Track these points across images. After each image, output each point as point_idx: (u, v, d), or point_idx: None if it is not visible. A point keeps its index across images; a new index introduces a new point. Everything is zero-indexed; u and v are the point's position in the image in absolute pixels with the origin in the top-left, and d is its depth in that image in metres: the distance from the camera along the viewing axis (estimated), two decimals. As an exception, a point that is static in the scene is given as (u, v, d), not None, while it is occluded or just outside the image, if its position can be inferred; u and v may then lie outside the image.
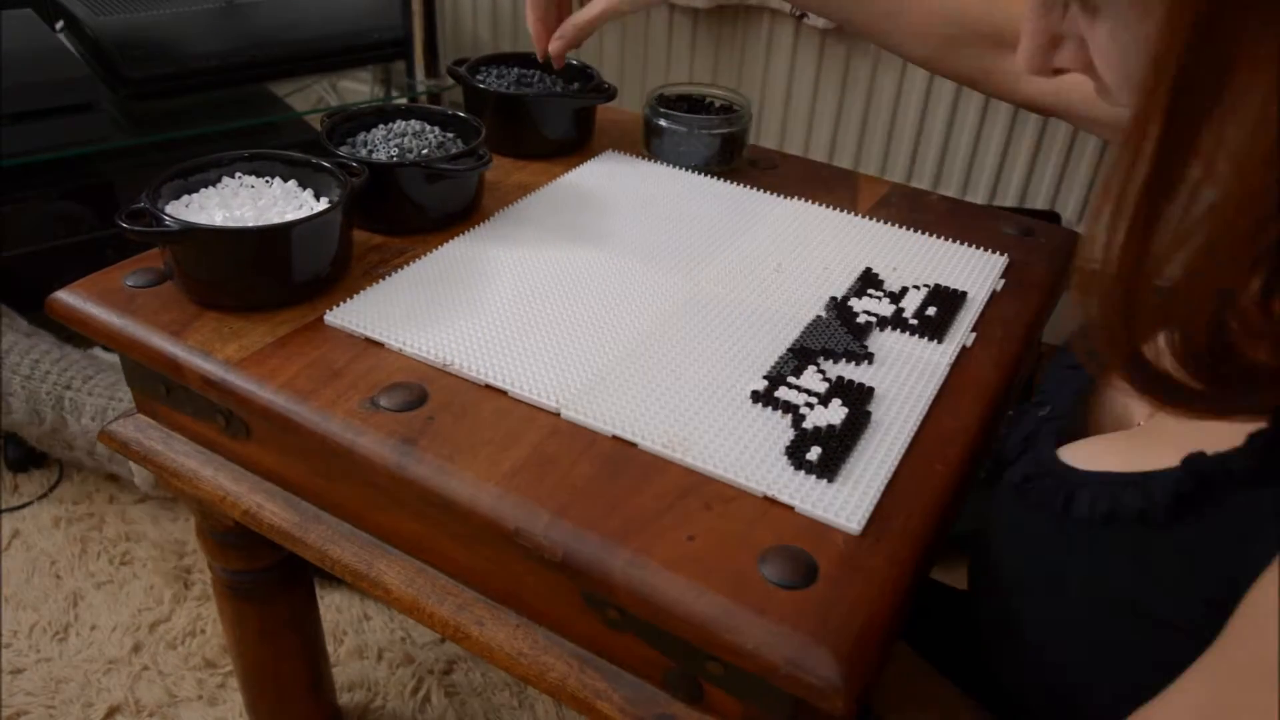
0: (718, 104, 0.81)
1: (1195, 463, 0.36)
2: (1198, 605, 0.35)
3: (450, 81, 1.33)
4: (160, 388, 0.59)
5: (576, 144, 0.81)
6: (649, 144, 0.80)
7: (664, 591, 0.39)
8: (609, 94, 0.79)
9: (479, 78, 0.79)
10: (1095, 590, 0.40)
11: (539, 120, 0.77)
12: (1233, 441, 0.35)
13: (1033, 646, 0.43)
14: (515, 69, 0.83)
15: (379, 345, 0.54)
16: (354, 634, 1.04)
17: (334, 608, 1.07)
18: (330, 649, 1.02)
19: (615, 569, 0.40)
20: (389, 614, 1.07)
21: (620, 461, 0.46)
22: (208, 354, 0.52)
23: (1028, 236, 0.70)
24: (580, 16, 0.73)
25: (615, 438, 0.47)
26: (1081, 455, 0.43)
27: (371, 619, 1.06)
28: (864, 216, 0.71)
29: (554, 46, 0.75)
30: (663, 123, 0.77)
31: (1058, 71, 0.40)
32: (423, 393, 0.50)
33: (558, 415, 0.49)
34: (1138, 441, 0.43)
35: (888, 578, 0.40)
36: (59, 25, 1.30)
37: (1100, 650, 0.39)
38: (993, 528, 0.46)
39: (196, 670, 0.99)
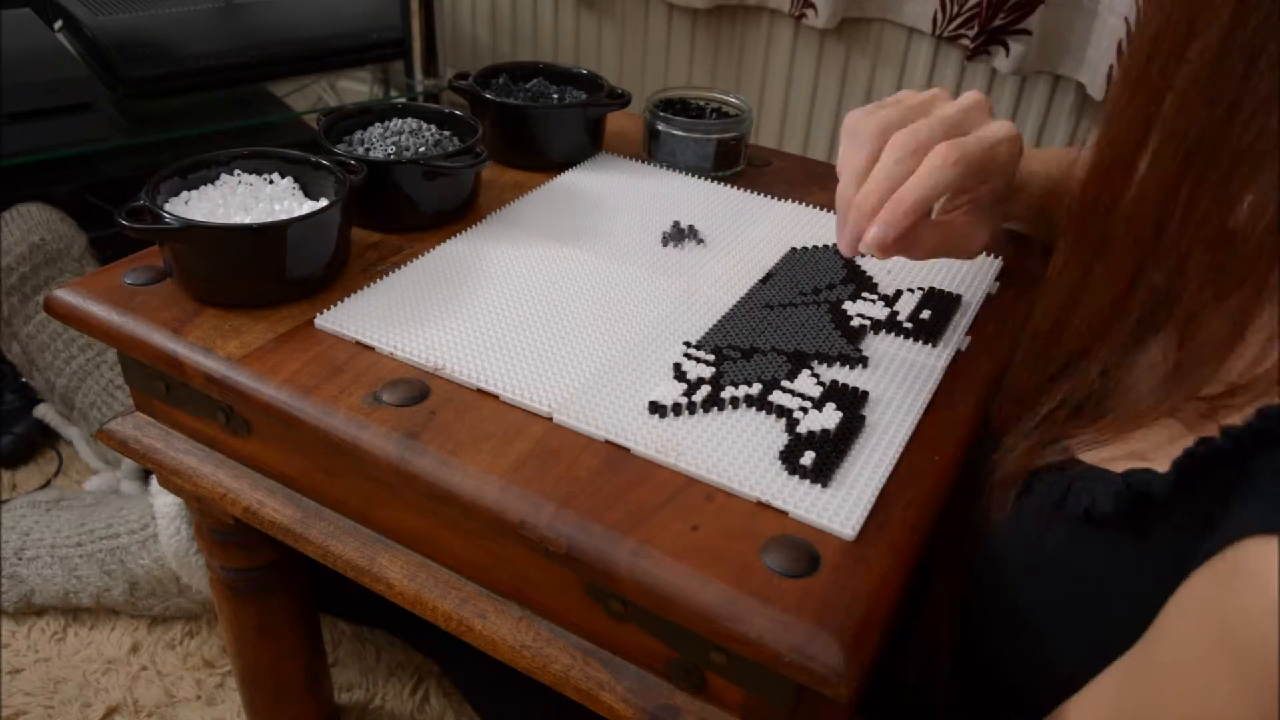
0: (718, 108, 0.81)
1: (1131, 477, 0.39)
2: (1150, 608, 0.36)
3: (448, 81, 1.34)
4: (160, 385, 0.59)
5: (590, 154, 0.79)
6: (649, 148, 0.80)
7: (668, 581, 0.40)
8: (623, 101, 0.78)
9: (487, 93, 0.76)
10: (1078, 582, 0.41)
11: (551, 132, 0.76)
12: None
13: (1029, 636, 0.44)
14: (519, 80, 0.81)
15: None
16: (353, 633, 1.04)
17: (333, 607, 1.07)
18: (329, 648, 1.02)
19: (620, 560, 0.41)
20: (388, 613, 1.07)
21: (622, 454, 0.46)
22: (209, 351, 0.52)
23: (1023, 234, 0.70)
24: (909, 194, 0.47)
25: (608, 442, 0.47)
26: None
27: (371, 618, 1.06)
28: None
29: (876, 234, 0.47)
30: (663, 127, 0.77)
31: None
32: (424, 388, 0.50)
33: (550, 420, 0.48)
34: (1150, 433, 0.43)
35: (889, 566, 0.41)
36: (57, 25, 1.30)
37: (1087, 642, 0.40)
38: (994, 519, 0.46)
39: (195, 670, 0.99)
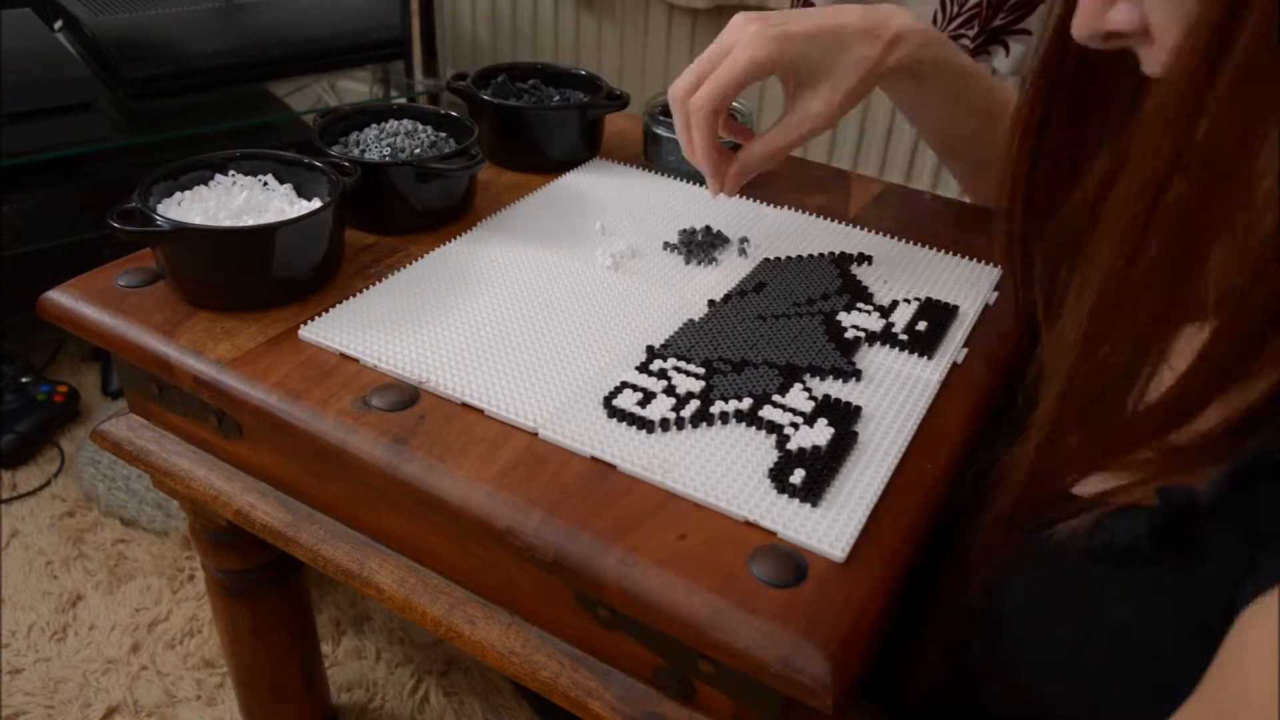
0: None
1: (1168, 494, 0.36)
2: (1190, 637, 0.34)
3: (446, 81, 1.34)
4: (152, 387, 0.59)
5: (587, 156, 0.79)
6: (648, 152, 0.79)
7: (654, 590, 0.39)
8: (621, 102, 0.77)
9: (485, 93, 0.76)
10: (1090, 621, 0.39)
11: (549, 134, 0.75)
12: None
13: (1030, 680, 0.42)
14: (516, 81, 0.81)
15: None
16: (353, 634, 1.04)
17: (333, 607, 1.07)
18: (329, 649, 1.02)
19: (606, 568, 0.40)
20: (388, 614, 1.07)
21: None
22: (199, 354, 0.52)
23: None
24: (763, 148, 0.61)
25: (594, 458, 0.46)
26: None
27: (371, 619, 1.06)
28: (855, 225, 0.70)
29: (730, 187, 0.62)
30: (662, 131, 0.76)
31: (1110, 35, 0.38)
32: (414, 392, 0.50)
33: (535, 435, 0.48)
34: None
35: (878, 576, 0.40)
36: (57, 25, 1.30)
37: (1097, 686, 0.39)
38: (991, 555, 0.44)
39: (195, 670, 0.99)
